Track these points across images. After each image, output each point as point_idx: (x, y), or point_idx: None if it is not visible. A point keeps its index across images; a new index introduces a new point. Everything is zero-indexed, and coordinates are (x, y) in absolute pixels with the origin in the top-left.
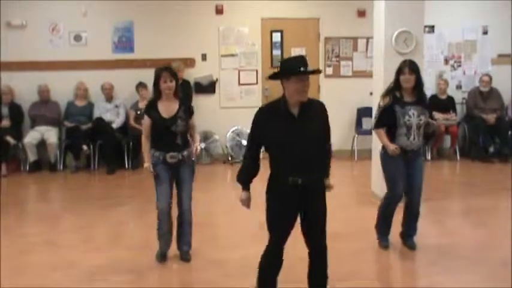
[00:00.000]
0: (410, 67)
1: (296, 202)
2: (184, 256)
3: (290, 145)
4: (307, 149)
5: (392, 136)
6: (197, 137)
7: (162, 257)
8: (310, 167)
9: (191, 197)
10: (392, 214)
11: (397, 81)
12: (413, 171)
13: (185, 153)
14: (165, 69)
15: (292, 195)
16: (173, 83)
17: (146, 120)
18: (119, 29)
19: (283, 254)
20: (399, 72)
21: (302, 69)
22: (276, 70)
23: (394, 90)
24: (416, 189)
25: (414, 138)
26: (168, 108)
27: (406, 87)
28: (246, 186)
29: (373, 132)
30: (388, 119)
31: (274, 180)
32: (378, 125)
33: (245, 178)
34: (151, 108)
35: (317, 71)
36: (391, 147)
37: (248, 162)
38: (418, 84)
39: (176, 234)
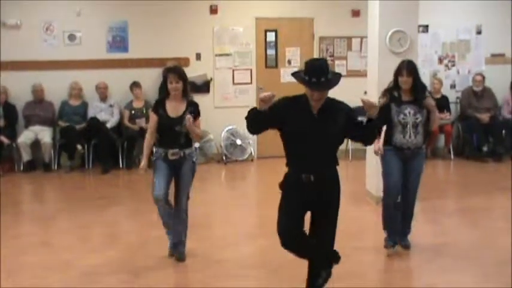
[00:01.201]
0: (408, 69)
1: (308, 198)
2: (179, 256)
3: (305, 142)
4: (321, 147)
5: (389, 135)
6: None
7: (174, 248)
8: (323, 165)
9: (189, 196)
10: (397, 213)
11: (395, 80)
12: (411, 171)
13: (187, 151)
14: (171, 71)
15: (304, 192)
16: (179, 84)
17: (153, 117)
18: (113, 29)
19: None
20: (397, 73)
21: (314, 80)
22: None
23: (392, 90)
24: (412, 189)
25: (410, 137)
26: (175, 108)
27: (404, 88)
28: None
29: None
30: (385, 117)
31: (289, 176)
32: None
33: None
34: (159, 106)
35: (326, 86)
36: (376, 146)
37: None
38: (416, 84)
39: None
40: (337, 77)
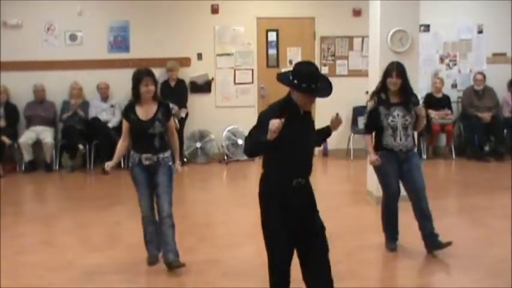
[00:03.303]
0: (397, 70)
1: (299, 206)
2: (174, 264)
3: (297, 146)
4: (309, 150)
5: (380, 138)
6: (176, 143)
7: (153, 260)
8: (310, 169)
9: (171, 201)
10: (395, 214)
11: (383, 83)
12: (410, 174)
13: (161, 155)
14: (146, 74)
15: (295, 199)
16: (153, 87)
17: (124, 124)
18: (115, 29)
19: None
20: (386, 74)
21: (313, 86)
22: (286, 70)
23: (379, 92)
24: (419, 191)
25: (401, 139)
26: (146, 110)
27: (392, 89)
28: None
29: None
30: (375, 121)
31: (274, 182)
32: (367, 129)
33: (256, 140)
34: (129, 111)
35: (329, 91)
36: (372, 157)
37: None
38: (404, 86)
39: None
40: (328, 80)
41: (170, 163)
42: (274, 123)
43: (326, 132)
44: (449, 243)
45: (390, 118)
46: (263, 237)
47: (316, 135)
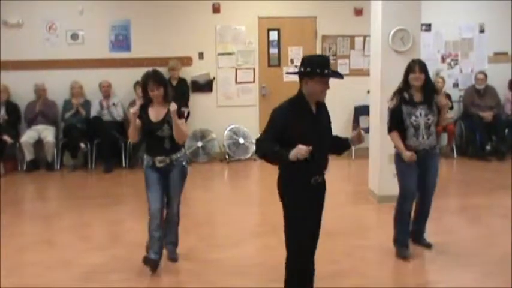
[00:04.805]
0: (420, 65)
1: (319, 202)
2: (171, 255)
3: (312, 144)
4: (324, 146)
5: (403, 137)
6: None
7: (152, 264)
8: (325, 165)
9: (180, 201)
10: (408, 216)
11: (405, 81)
12: (426, 171)
13: (174, 156)
14: (150, 78)
15: (315, 195)
16: (160, 91)
17: (137, 120)
18: (116, 28)
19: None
20: (409, 70)
21: (326, 71)
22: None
23: (402, 91)
24: (429, 190)
25: (423, 138)
26: (157, 112)
27: (415, 85)
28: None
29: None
30: (397, 120)
31: (294, 181)
32: (390, 128)
33: (275, 149)
34: (142, 110)
35: (339, 74)
36: (407, 154)
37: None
38: (428, 83)
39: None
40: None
41: (184, 163)
42: (302, 150)
43: (345, 144)
44: (431, 246)
45: (413, 117)
46: (285, 235)
47: (336, 145)
